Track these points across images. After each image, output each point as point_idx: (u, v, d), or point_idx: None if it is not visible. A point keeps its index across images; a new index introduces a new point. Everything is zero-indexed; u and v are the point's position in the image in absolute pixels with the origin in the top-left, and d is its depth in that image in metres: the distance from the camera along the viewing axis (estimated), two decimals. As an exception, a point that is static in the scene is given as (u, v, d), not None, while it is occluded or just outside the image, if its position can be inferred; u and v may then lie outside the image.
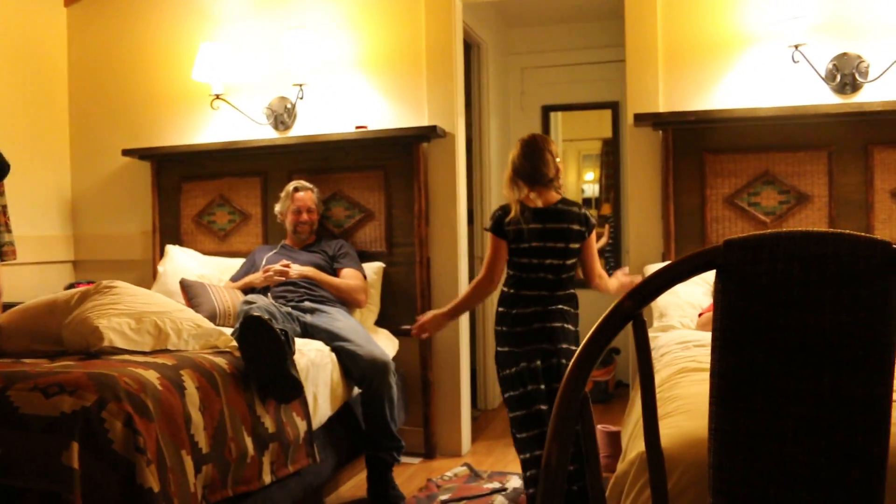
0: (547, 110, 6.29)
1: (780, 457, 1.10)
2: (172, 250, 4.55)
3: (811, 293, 1.08)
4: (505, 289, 3.13)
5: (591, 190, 6.91)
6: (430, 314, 3.21)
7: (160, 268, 4.48)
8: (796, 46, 3.61)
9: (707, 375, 1.15)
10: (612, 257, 6.18)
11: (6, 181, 3.34)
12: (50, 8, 4.94)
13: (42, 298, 3.18)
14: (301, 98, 4.42)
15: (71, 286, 4.59)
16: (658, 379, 2.29)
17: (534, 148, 3.08)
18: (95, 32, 5.01)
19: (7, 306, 3.24)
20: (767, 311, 1.10)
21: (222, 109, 4.58)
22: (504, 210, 3.10)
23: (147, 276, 4.68)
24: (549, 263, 3.02)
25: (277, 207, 4.24)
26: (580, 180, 6.95)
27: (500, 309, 3.10)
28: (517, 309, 3.03)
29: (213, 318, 3.69)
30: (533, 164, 3.05)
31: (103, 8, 4.99)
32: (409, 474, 3.91)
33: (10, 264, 3.68)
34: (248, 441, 2.70)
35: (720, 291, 1.12)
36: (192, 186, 4.74)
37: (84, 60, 5.05)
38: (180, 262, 4.44)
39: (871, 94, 3.64)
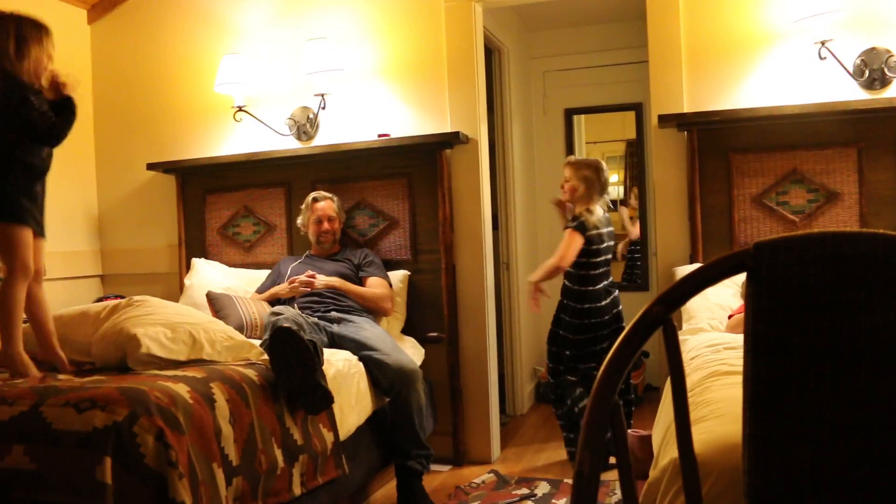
0: (570, 113, 6.24)
1: (815, 462, 1.08)
2: (198, 263, 4.58)
3: (844, 295, 1.06)
4: (590, 287, 3.96)
5: (616, 192, 6.87)
6: (538, 288, 3.94)
7: (187, 281, 4.50)
8: (823, 43, 3.56)
9: (739, 379, 1.13)
10: (640, 260, 6.14)
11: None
12: (74, 25, 5.00)
13: (74, 308, 3.26)
14: (323, 108, 4.43)
15: (100, 300, 4.63)
16: (689, 383, 2.26)
17: (598, 169, 3.97)
18: (119, 48, 5.06)
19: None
20: (800, 314, 1.08)
21: (245, 121, 4.61)
22: (583, 218, 3.89)
23: (174, 289, 4.71)
24: (608, 259, 4.03)
25: (299, 220, 4.25)
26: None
27: (591, 305, 3.95)
28: (605, 300, 3.97)
29: (240, 329, 3.71)
30: (601, 182, 3.96)
31: (126, 24, 5.04)
32: (438, 482, 3.90)
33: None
34: (278, 453, 2.70)
35: (751, 295, 1.10)
36: (216, 198, 4.77)
37: (108, 76, 5.10)
38: (206, 274, 4.47)
39: (901, 89, 3.58)
